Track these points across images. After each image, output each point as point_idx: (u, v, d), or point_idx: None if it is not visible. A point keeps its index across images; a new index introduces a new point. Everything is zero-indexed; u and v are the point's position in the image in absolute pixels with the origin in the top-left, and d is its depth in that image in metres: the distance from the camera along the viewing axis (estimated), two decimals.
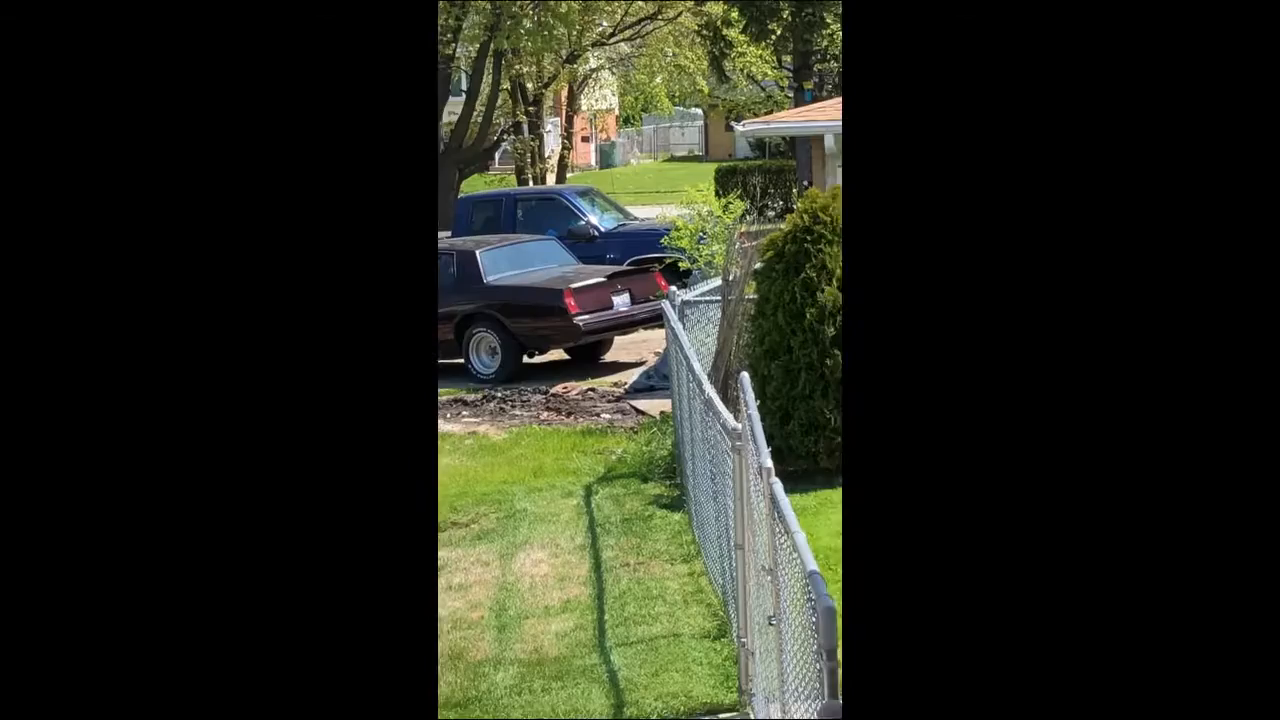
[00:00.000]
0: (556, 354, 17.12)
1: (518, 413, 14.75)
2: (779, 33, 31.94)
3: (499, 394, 15.52)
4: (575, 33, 28.99)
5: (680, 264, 16.86)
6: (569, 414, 14.45)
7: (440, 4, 26.43)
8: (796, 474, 9.90)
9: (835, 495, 9.34)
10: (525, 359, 16.63)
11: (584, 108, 42.00)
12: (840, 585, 4.28)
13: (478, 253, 17.00)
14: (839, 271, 10.19)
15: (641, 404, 14.35)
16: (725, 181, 29.95)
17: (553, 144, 36.27)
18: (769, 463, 5.63)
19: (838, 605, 4.46)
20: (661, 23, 30.04)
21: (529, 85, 30.84)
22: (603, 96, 42.54)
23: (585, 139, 53.62)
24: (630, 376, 15.78)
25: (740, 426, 6.47)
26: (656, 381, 14.74)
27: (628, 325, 16.84)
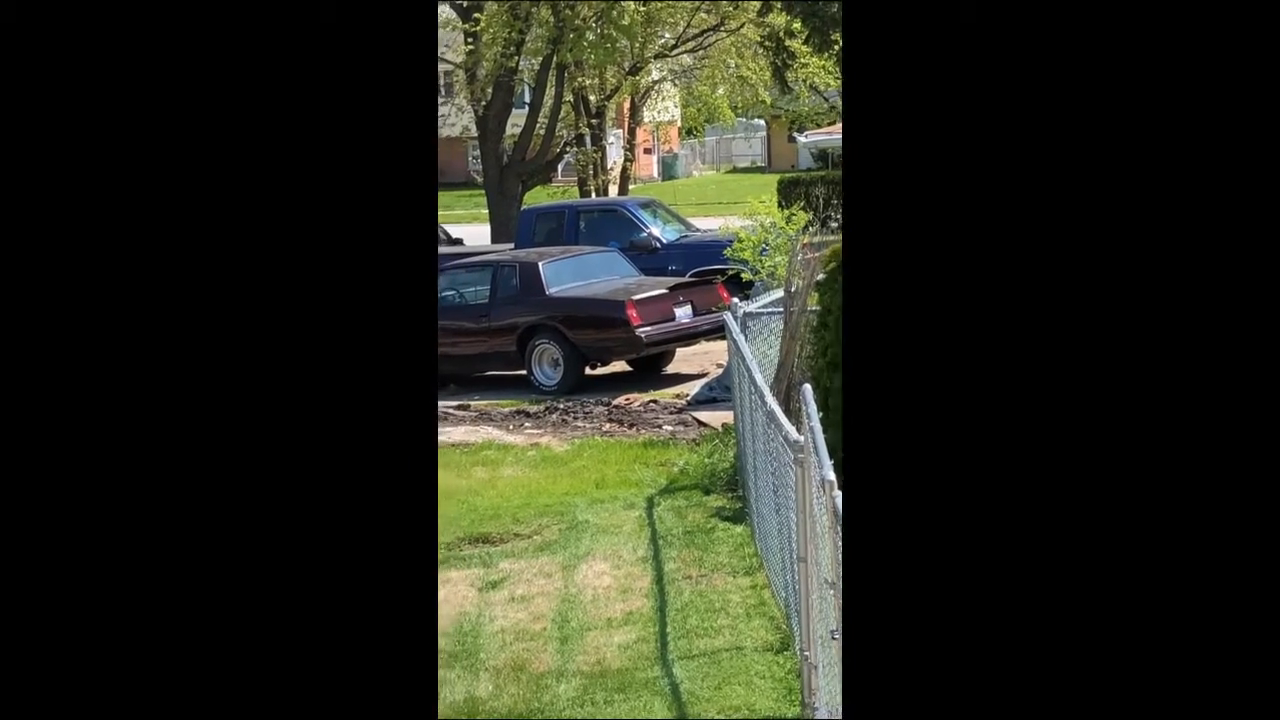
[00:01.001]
0: (618, 366, 17.13)
1: (580, 424, 14.75)
2: (842, 43, 31.85)
3: (561, 405, 15.54)
4: (638, 45, 29.01)
5: (743, 275, 16.83)
6: (631, 426, 14.44)
7: (503, 18, 26.53)
8: None
9: None
10: (587, 371, 16.64)
11: (646, 119, 42.03)
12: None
13: (540, 265, 17.04)
14: None
15: (703, 416, 14.33)
16: (788, 193, 29.87)
17: (615, 156, 36.32)
18: (832, 475, 5.61)
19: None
20: (724, 34, 30.00)
21: (592, 98, 30.89)
22: (665, 108, 42.53)
23: (647, 151, 53.66)
24: (692, 388, 15.76)
25: (803, 439, 6.45)
26: (719, 393, 14.71)
27: (690, 337, 16.82)
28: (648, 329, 16.09)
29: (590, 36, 27.34)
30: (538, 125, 29.22)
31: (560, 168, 34.18)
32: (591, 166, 31.23)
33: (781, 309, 12.02)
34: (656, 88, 37.39)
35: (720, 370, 15.51)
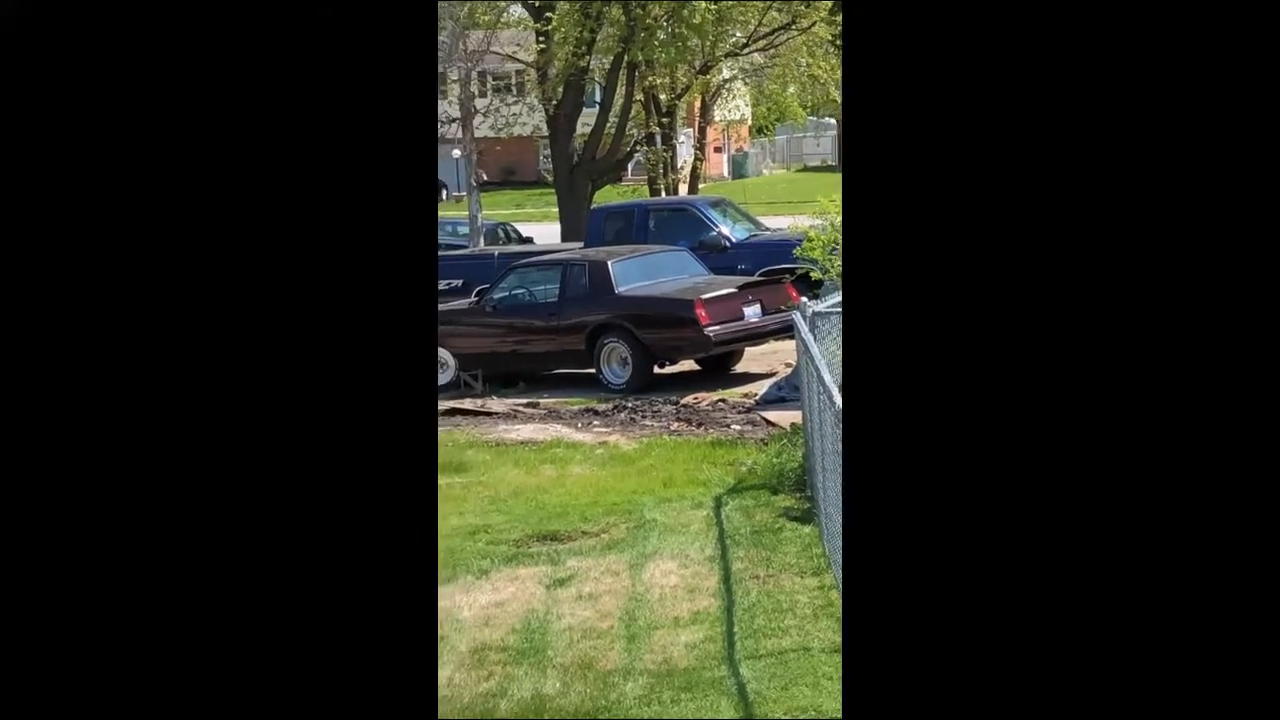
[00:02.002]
0: (687, 365, 17.13)
1: (648, 423, 14.77)
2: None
3: (630, 404, 15.56)
4: (709, 44, 29.00)
5: (812, 275, 16.78)
6: (699, 425, 14.44)
7: (575, 17, 26.59)
8: None
9: None
10: (656, 369, 16.65)
11: (717, 118, 41.98)
12: None
13: (609, 263, 17.07)
14: None
15: (772, 415, 14.30)
16: None
17: (685, 155, 36.30)
18: None
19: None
20: (795, 33, 29.91)
21: (662, 96, 30.90)
22: (735, 107, 42.48)
23: (718, 149, 53.61)
24: (761, 388, 15.73)
25: None
26: (787, 393, 14.68)
27: (759, 336, 16.79)
28: (716, 328, 16.08)
29: (661, 35, 27.36)
30: (608, 124, 29.27)
31: (630, 167, 34.21)
32: (661, 165, 31.24)
33: None
34: (727, 86, 37.35)
35: (789, 370, 15.47)
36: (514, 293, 17.70)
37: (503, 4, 29.14)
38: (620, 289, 16.76)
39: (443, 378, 17.59)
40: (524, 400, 16.33)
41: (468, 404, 16.37)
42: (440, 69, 29.93)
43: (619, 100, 29.70)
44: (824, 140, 60.81)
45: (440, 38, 27.44)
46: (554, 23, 26.63)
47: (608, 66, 29.16)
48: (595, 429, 14.75)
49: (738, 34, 30.37)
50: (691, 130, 38.23)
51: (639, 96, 30.19)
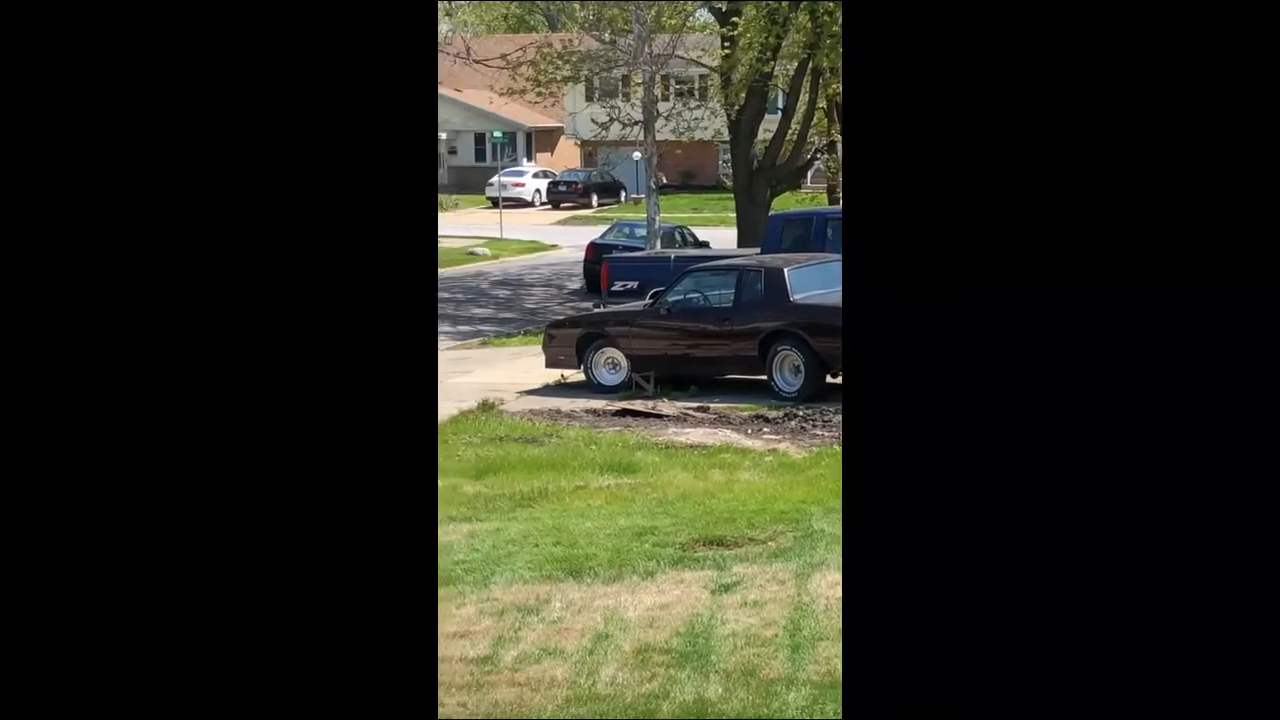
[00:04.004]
0: None
1: (819, 432, 14.68)
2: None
3: (801, 412, 15.49)
4: None
5: None
6: None
7: (761, 22, 26.55)
8: None
9: None
10: (829, 379, 16.55)
11: None
12: None
13: (785, 270, 17.02)
14: None
15: None
16: None
17: None
18: None
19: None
20: None
21: None
22: None
23: None
24: None
25: None
26: None
27: None
28: None
29: None
30: (789, 131, 29.20)
31: (810, 174, 34.09)
32: (841, 173, 31.04)
33: None
34: None
35: None
36: (689, 296, 17.74)
37: (689, 8, 29.22)
38: (795, 296, 16.69)
39: (615, 378, 17.70)
40: (695, 404, 16.35)
41: (638, 405, 16.44)
42: (625, 71, 30.12)
43: (802, 106, 29.61)
44: None
45: (626, 40, 27.62)
46: (740, 27, 26.63)
47: (792, 72, 29.09)
48: (765, 436, 14.70)
49: None
50: None
51: (822, 103, 30.07)
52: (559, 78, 30.44)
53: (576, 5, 31.10)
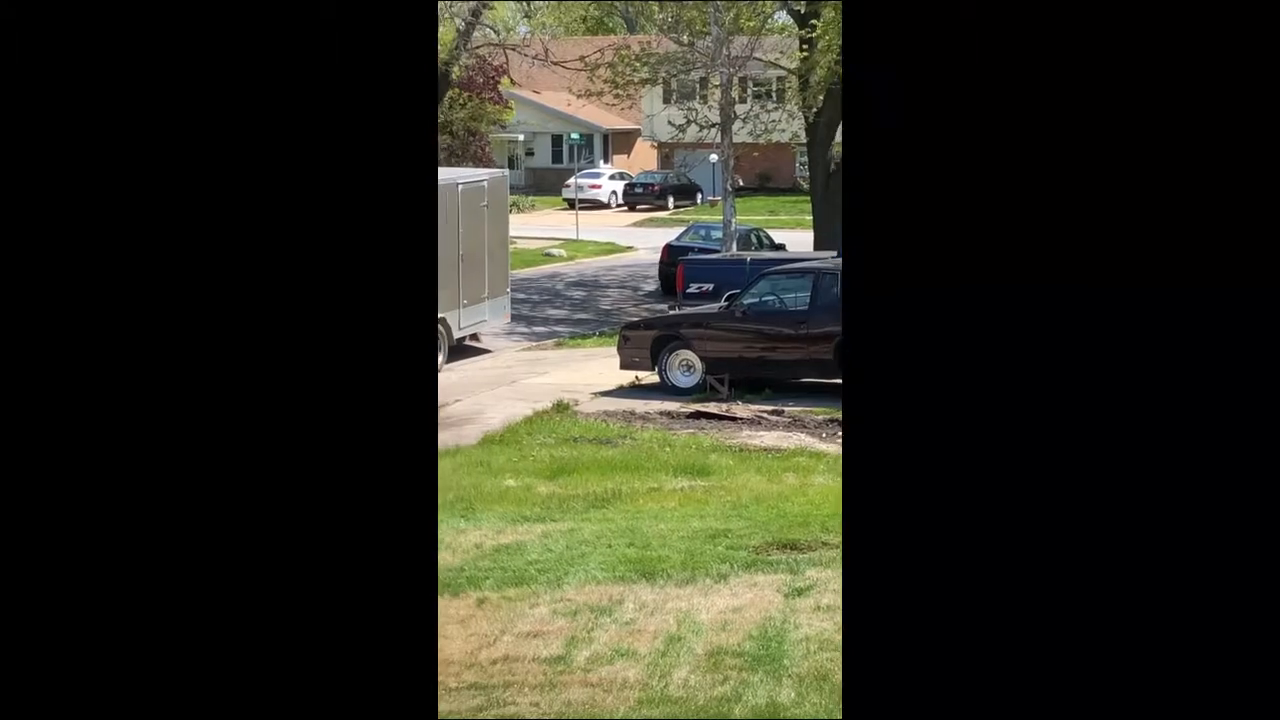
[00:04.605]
0: None
1: None
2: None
3: None
4: None
5: None
6: None
7: (838, 24, 26.44)
8: None
9: None
10: None
11: None
12: None
13: None
14: None
15: None
16: None
17: None
18: None
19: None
20: None
21: None
22: None
23: None
24: None
25: None
26: None
27: None
28: None
29: None
30: None
31: None
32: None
33: None
34: None
35: None
36: (764, 299, 17.71)
37: (768, 10, 29.16)
38: None
39: (689, 381, 17.69)
40: (769, 407, 16.31)
41: (712, 408, 16.43)
42: (703, 74, 30.13)
43: None
44: None
45: (704, 42, 27.62)
46: (818, 29, 26.54)
47: None
48: (839, 440, 14.65)
49: None
50: None
51: None
52: (636, 80, 30.48)
53: (655, 7, 31.13)
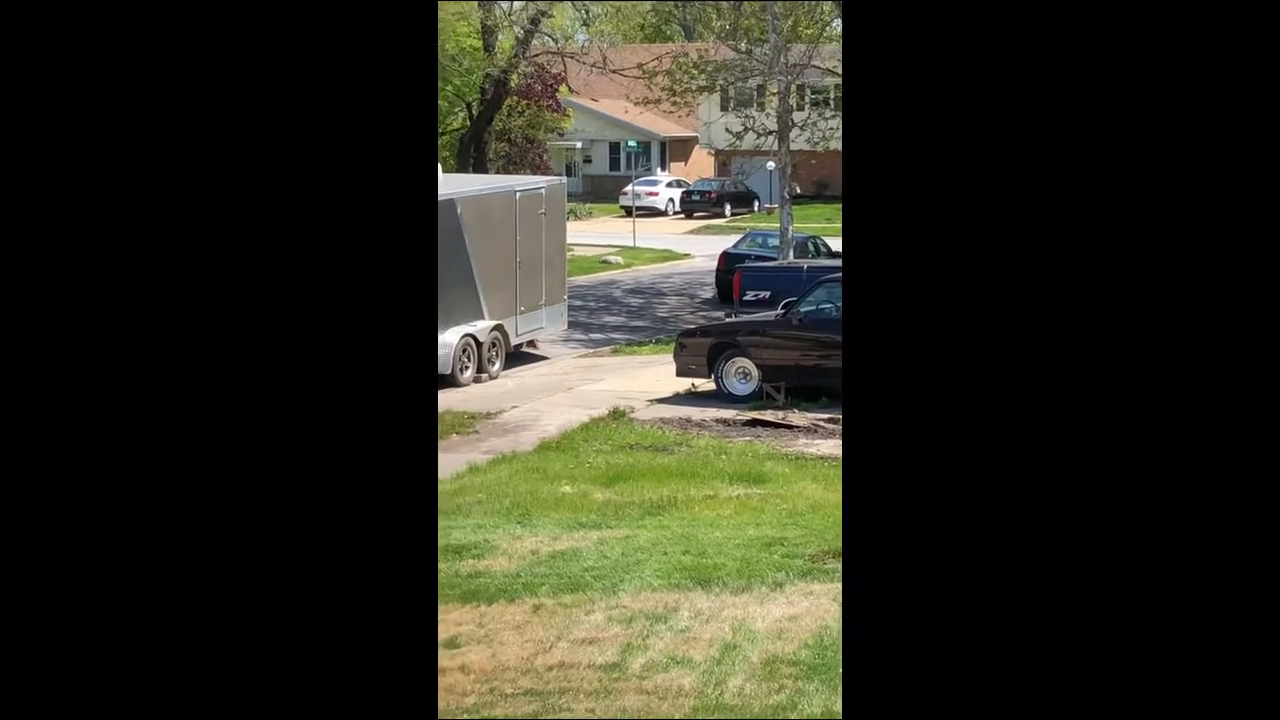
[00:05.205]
0: None
1: None
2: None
3: None
4: None
5: None
6: None
7: None
8: None
9: None
10: None
11: None
12: None
13: None
14: None
15: None
16: None
17: None
18: None
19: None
20: None
21: None
22: None
23: None
24: None
25: None
26: None
27: None
28: None
29: None
30: None
31: None
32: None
33: None
34: None
35: None
36: (821, 307, 17.65)
37: (826, 17, 29.10)
38: None
39: (746, 388, 17.66)
40: (826, 415, 16.26)
41: (769, 416, 16.40)
42: (760, 81, 30.10)
43: None
44: None
45: (762, 49, 27.59)
46: None
47: None
48: None
49: None
50: None
51: None
52: (694, 87, 30.49)
53: (713, 15, 31.14)
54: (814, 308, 17.68)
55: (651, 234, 45.27)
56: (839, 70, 30.00)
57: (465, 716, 7.39)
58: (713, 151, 58.31)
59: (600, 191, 59.83)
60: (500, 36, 38.71)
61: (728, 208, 54.69)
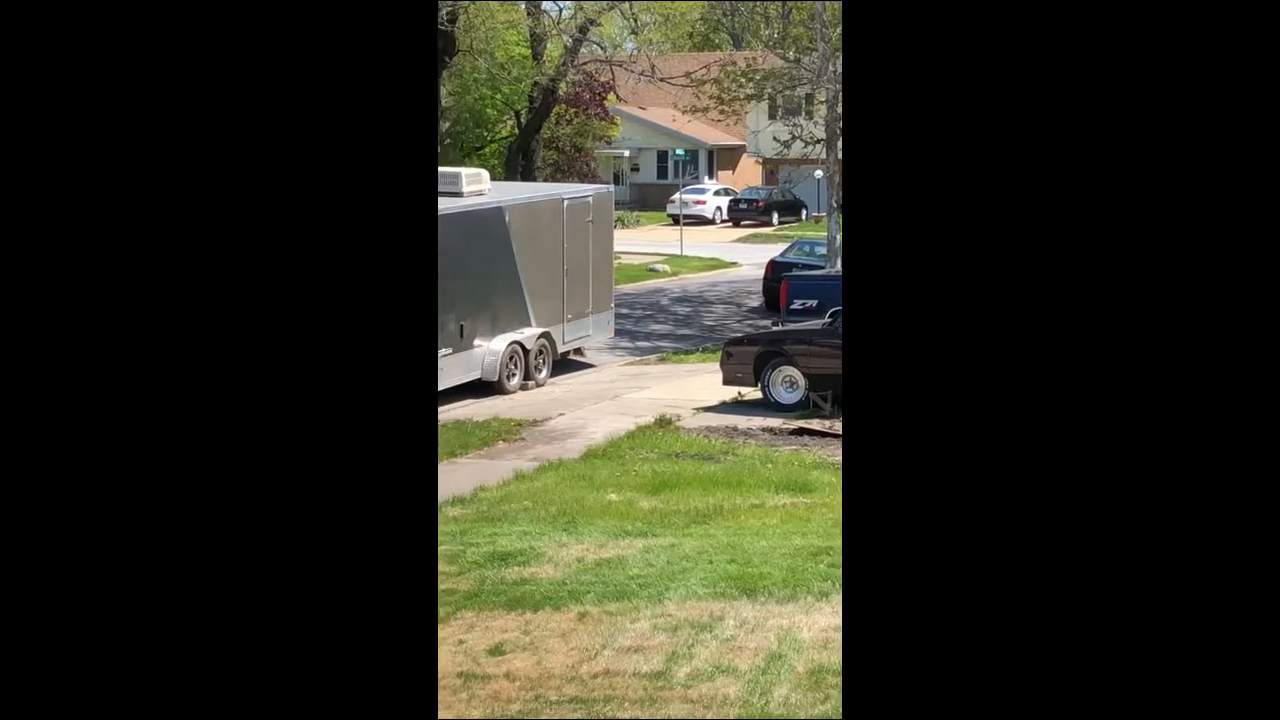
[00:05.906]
0: None
1: None
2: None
3: None
4: None
5: None
6: None
7: None
8: None
9: None
10: None
11: None
12: None
13: None
14: None
15: None
16: None
17: None
18: None
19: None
20: None
21: None
22: None
23: None
24: None
25: None
26: None
27: None
28: None
29: None
30: None
31: None
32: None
33: None
34: None
35: None
36: None
37: None
38: None
39: (792, 397, 17.64)
40: None
41: (815, 424, 16.37)
42: (808, 90, 30.06)
43: None
44: None
45: (810, 58, 27.56)
46: None
47: None
48: None
49: None
50: None
51: None
52: (742, 95, 30.47)
53: (761, 24, 31.12)
54: None
55: (699, 242, 45.26)
56: None
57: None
58: (760, 160, 58.26)
59: (648, 200, 59.86)
60: (549, 45, 38.80)
61: (775, 216, 54.61)
